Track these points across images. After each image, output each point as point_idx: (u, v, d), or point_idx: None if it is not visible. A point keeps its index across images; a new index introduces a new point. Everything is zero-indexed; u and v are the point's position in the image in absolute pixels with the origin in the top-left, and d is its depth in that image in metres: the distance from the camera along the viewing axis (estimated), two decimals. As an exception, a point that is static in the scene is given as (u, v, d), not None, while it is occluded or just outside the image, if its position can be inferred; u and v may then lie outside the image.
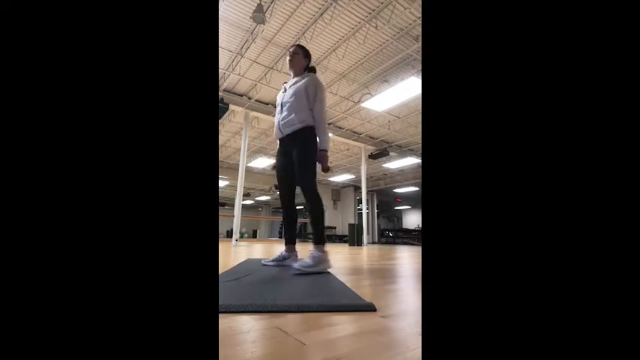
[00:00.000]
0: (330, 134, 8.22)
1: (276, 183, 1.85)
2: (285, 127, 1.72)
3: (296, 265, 1.49)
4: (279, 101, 1.81)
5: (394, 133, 8.47)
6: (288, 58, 1.83)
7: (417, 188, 12.43)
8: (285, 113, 1.73)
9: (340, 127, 8.16)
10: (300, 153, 1.67)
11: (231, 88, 6.42)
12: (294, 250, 1.87)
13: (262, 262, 1.71)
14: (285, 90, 1.81)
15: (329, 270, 1.64)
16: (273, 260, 1.80)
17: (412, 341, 0.56)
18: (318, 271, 1.49)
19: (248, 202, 17.16)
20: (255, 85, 6.22)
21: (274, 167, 1.88)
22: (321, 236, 1.64)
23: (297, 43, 1.88)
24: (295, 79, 1.81)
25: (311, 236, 1.73)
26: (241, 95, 6.64)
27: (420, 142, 8.20)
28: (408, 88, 5.33)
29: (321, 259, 1.54)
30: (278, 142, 1.84)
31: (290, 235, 1.89)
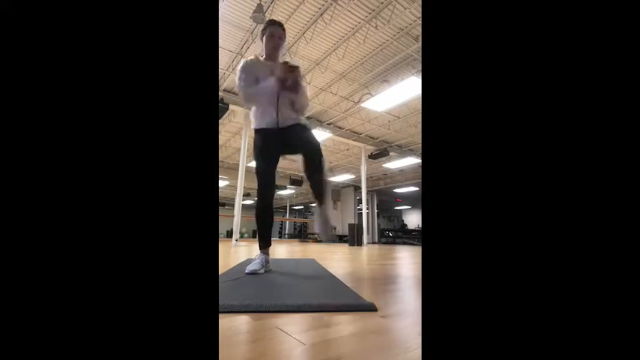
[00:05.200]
0: (329, 134, 8.12)
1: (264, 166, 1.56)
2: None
3: (321, 228, 1.47)
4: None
5: (394, 133, 8.46)
6: (277, 42, 1.57)
7: (417, 188, 12.42)
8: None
9: (340, 127, 8.16)
10: (308, 133, 1.58)
11: (231, 88, 6.42)
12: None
13: (246, 271, 1.40)
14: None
15: (330, 270, 1.64)
16: (259, 268, 1.47)
17: (412, 341, 0.56)
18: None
19: (248, 202, 17.17)
20: (255, 85, 6.20)
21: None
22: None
23: (284, 28, 1.62)
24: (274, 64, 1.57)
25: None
26: (241, 95, 6.62)
27: (420, 142, 8.18)
28: (408, 88, 5.32)
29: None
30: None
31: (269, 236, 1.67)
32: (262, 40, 1.58)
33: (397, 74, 5.66)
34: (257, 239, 1.63)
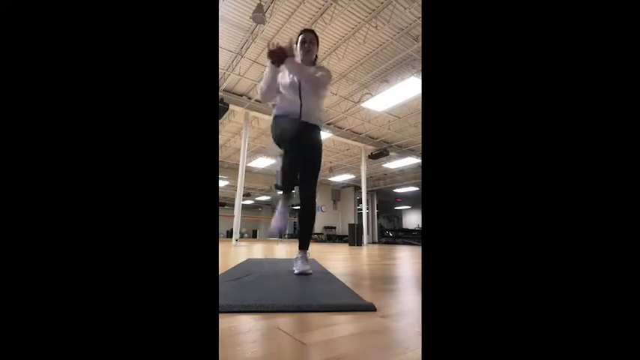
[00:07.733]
0: (329, 134, 8.11)
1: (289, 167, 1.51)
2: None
3: (299, 270, 1.44)
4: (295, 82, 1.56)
5: (394, 133, 8.46)
6: (308, 47, 1.61)
7: (417, 188, 12.41)
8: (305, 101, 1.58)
9: (340, 127, 8.15)
10: (318, 153, 1.61)
11: (231, 88, 6.42)
12: None
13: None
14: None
15: (330, 270, 1.65)
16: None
17: (412, 341, 0.56)
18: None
19: (248, 202, 17.15)
20: (255, 85, 6.21)
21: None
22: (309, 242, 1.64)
23: (316, 34, 1.71)
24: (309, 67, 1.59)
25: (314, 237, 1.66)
26: (241, 95, 6.63)
27: (420, 142, 8.18)
28: (408, 88, 5.32)
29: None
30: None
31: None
32: (297, 47, 1.62)
33: (397, 74, 5.65)
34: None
